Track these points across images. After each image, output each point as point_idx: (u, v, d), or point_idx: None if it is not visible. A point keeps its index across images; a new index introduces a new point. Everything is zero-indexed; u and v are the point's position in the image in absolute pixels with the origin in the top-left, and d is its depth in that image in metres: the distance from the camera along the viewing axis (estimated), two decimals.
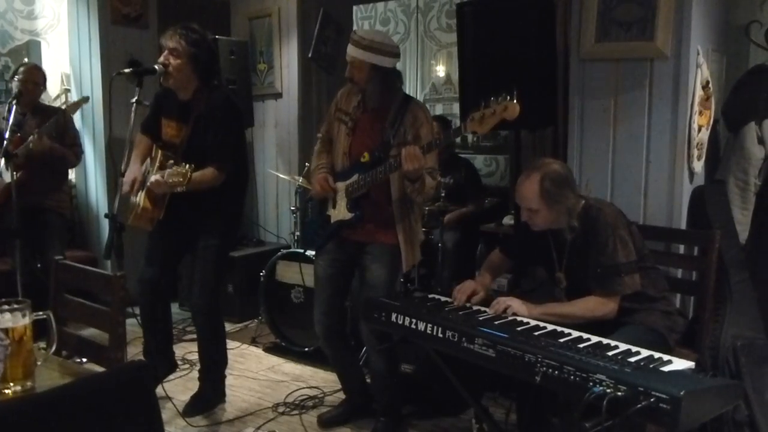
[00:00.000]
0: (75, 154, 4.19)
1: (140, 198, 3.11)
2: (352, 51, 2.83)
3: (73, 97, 5.12)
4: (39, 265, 4.02)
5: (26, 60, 5.07)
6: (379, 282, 2.91)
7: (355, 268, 3.06)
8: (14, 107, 3.71)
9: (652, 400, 1.66)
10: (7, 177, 3.73)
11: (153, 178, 2.97)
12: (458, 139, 6.11)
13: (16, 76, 3.97)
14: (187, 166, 2.84)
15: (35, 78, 4.03)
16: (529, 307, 2.44)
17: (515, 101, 2.43)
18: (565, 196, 2.47)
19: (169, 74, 3.03)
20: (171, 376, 3.61)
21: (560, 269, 2.61)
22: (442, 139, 2.77)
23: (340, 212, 2.95)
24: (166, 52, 3.04)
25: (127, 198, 3.17)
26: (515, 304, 2.44)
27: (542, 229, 2.57)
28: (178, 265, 3.39)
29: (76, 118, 4.99)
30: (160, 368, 3.42)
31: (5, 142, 3.62)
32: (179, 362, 3.72)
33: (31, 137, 3.78)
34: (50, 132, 3.89)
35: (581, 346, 2.07)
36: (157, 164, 3.11)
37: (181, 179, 2.82)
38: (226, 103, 3.12)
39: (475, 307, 2.55)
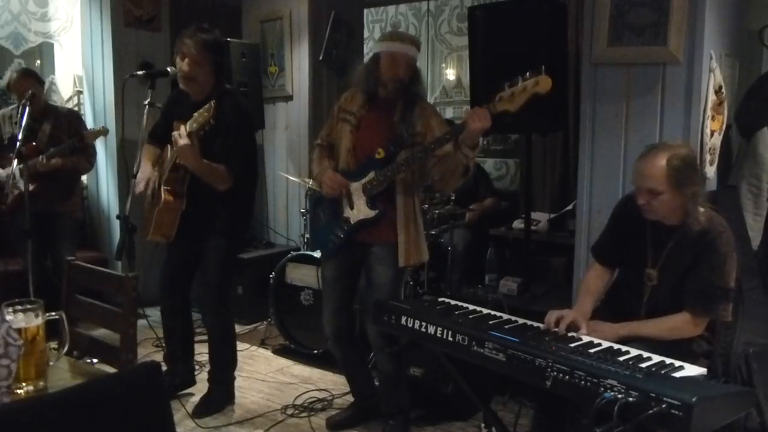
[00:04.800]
0: (87, 159, 4.21)
1: (162, 192, 3.10)
2: (406, 50, 2.85)
3: (85, 98, 5.16)
4: (50, 265, 4.05)
5: (38, 62, 5.13)
6: (385, 282, 2.90)
7: (361, 268, 3.06)
8: (27, 109, 3.73)
9: (663, 406, 1.65)
10: (21, 184, 3.74)
11: (175, 134, 2.93)
12: None
13: (14, 92, 3.97)
14: (208, 104, 2.83)
15: (31, 83, 3.98)
16: (605, 327, 2.32)
17: (545, 75, 2.39)
18: (693, 181, 2.31)
19: (192, 79, 3.04)
20: None
21: (653, 266, 2.45)
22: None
23: (360, 211, 2.91)
24: (188, 59, 3.02)
25: (140, 199, 3.19)
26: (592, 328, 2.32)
27: (657, 218, 2.39)
28: (195, 271, 3.37)
29: (89, 119, 5.04)
30: (178, 377, 3.44)
31: (18, 143, 3.64)
32: None
33: (39, 158, 3.81)
34: (62, 152, 3.90)
35: (592, 350, 2.06)
36: (169, 165, 3.11)
37: (206, 114, 2.80)
38: (236, 109, 3.11)
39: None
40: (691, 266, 2.37)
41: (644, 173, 2.34)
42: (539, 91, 2.42)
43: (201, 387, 3.49)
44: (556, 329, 2.31)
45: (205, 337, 3.51)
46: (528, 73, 2.42)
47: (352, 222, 2.94)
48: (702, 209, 2.39)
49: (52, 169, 3.90)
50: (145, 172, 3.13)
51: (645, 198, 2.36)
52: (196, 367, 3.79)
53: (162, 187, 3.10)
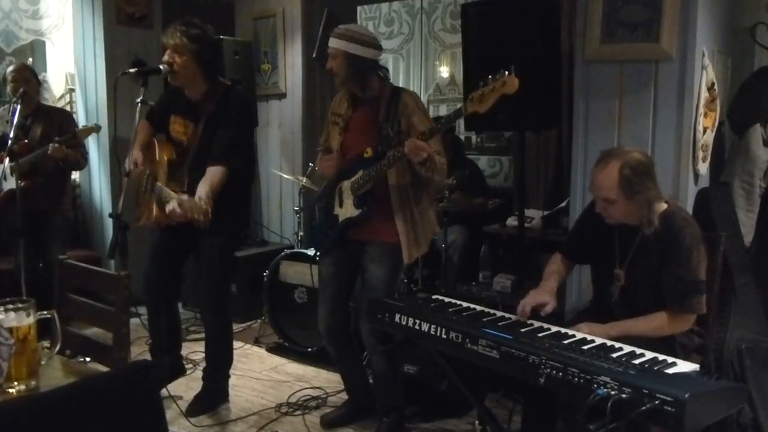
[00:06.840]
0: (82, 155, 4.20)
1: (152, 205, 3.10)
2: (330, 42, 2.88)
3: (77, 96, 5.14)
4: (41, 265, 4.03)
5: (30, 60, 5.10)
6: (378, 282, 2.90)
7: (358, 267, 3.06)
8: (18, 107, 3.71)
9: (656, 402, 1.65)
10: (12, 182, 3.72)
11: (172, 205, 2.85)
12: (462, 140, 6.10)
13: (9, 84, 3.96)
14: (203, 204, 2.74)
15: (27, 76, 3.99)
16: (597, 327, 2.32)
17: (513, 75, 2.39)
18: (645, 186, 2.31)
19: (175, 73, 3.02)
20: None
21: (621, 266, 2.48)
22: (442, 124, 2.74)
23: (347, 210, 2.94)
24: (169, 50, 3.03)
25: (132, 197, 3.17)
26: (585, 329, 2.33)
27: (617, 222, 2.43)
28: (182, 263, 3.39)
29: (81, 116, 5.02)
30: (166, 369, 3.41)
31: (9, 142, 3.62)
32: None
33: (51, 146, 3.77)
34: (67, 141, 3.89)
35: (585, 347, 2.07)
36: (165, 176, 3.10)
37: (203, 219, 2.73)
38: (240, 103, 3.14)
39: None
40: (660, 265, 2.39)
41: (597, 183, 2.38)
42: (506, 92, 2.42)
43: (195, 385, 3.47)
44: (527, 318, 2.36)
45: (202, 335, 3.50)
46: (498, 74, 2.43)
47: (339, 220, 2.97)
48: (665, 205, 2.41)
49: (62, 156, 3.87)
50: (135, 154, 3.08)
51: (601, 206, 2.41)
52: (191, 365, 3.79)
53: (153, 202, 3.09)
